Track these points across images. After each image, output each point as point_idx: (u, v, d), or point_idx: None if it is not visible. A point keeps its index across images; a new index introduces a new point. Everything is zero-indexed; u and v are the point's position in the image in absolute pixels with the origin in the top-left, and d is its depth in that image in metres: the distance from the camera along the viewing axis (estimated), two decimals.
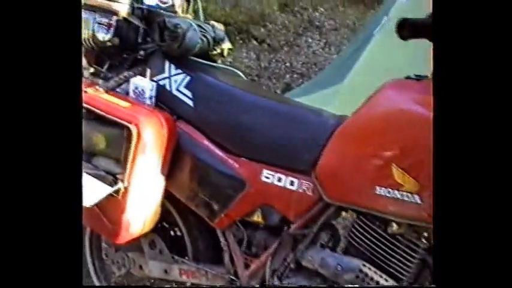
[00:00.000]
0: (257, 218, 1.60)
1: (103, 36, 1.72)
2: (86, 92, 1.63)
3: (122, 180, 1.56)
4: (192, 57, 1.73)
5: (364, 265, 1.48)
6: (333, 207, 1.52)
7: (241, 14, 5.13)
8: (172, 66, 1.72)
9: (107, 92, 1.67)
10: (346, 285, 1.49)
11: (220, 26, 1.81)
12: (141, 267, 1.84)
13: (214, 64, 1.80)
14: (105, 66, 1.80)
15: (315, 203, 1.52)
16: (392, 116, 1.41)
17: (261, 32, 4.98)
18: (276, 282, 1.59)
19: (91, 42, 1.73)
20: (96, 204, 1.54)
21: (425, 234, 1.42)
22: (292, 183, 1.54)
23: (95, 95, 1.63)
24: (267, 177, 1.57)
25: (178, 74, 1.70)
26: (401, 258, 1.45)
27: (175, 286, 1.89)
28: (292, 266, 1.58)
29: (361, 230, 1.49)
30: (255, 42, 4.87)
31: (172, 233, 1.86)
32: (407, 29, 1.37)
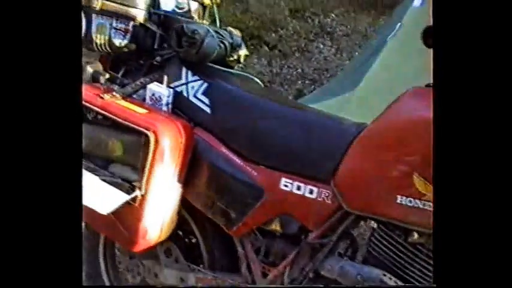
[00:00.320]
0: (275, 226, 1.58)
1: (119, 41, 1.71)
2: (102, 97, 1.62)
3: (139, 188, 1.55)
4: (209, 64, 1.72)
5: (384, 275, 1.45)
6: (352, 216, 1.50)
7: (252, 19, 5.13)
8: (190, 72, 1.70)
9: (123, 98, 1.66)
10: None
11: (237, 32, 1.80)
12: (156, 275, 1.81)
13: (232, 70, 1.79)
14: (121, 72, 1.80)
15: (334, 211, 1.50)
16: (414, 124, 1.40)
17: (272, 38, 4.97)
18: None
19: (107, 47, 1.73)
20: (113, 212, 1.53)
21: None
22: (311, 191, 1.52)
23: (111, 101, 1.62)
24: (286, 186, 1.55)
25: (196, 80, 1.69)
26: (421, 268, 1.43)
27: None
28: (310, 275, 1.56)
29: (381, 239, 1.47)
30: (266, 48, 4.86)
31: (188, 240, 1.84)
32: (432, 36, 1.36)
